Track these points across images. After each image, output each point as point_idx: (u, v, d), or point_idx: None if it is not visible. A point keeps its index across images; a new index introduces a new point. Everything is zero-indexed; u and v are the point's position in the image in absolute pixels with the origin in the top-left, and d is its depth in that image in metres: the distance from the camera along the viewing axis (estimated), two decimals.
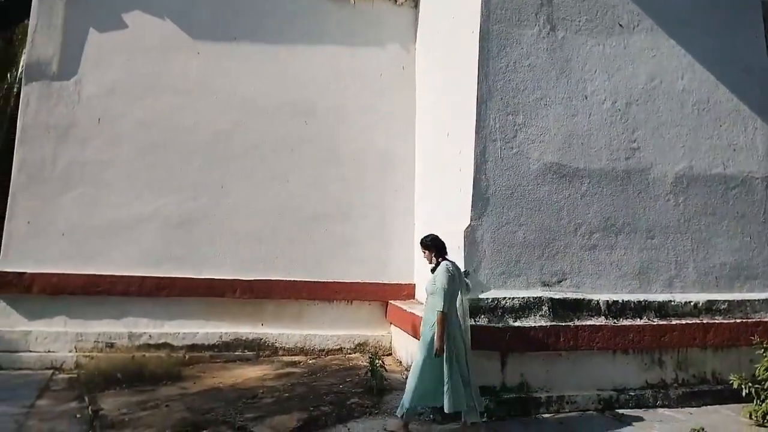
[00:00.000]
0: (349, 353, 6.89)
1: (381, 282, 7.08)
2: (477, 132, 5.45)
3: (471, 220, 5.33)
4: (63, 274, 6.33)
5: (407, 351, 6.28)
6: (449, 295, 4.31)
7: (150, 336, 6.44)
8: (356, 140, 7.24)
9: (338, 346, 6.93)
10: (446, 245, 4.65)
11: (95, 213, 6.51)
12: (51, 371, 5.99)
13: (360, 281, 7.02)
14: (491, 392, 4.99)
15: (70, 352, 6.25)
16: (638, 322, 5.38)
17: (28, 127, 6.53)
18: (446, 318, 4.23)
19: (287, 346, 6.82)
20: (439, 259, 4.56)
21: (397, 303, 6.76)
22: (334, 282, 6.99)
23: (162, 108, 6.79)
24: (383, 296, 7.07)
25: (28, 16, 12.76)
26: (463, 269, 5.01)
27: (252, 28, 7.15)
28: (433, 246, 4.59)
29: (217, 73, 7.00)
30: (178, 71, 6.91)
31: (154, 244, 6.58)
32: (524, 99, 5.67)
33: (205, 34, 7.04)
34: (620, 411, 5.01)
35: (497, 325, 5.09)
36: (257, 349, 6.66)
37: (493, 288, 5.29)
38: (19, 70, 11.98)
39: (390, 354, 6.87)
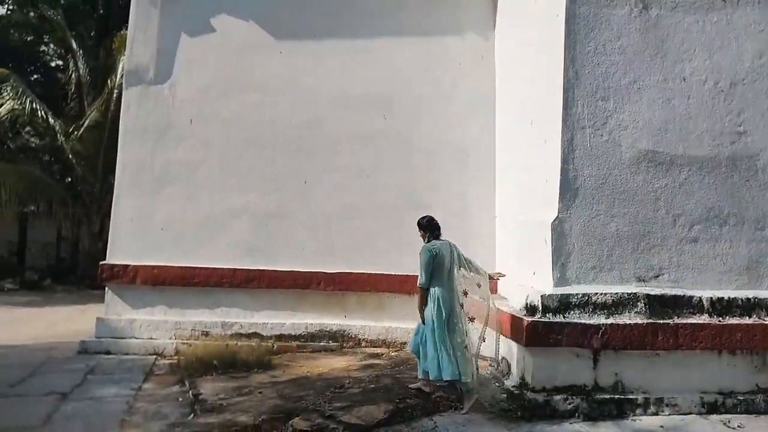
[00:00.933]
0: None
1: None
2: (564, 120, 5.23)
3: (559, 212, 5.13)
4: (162, 266, 6.78)
5: (492, 345, 6.16)
6: (427, 272, 4.76)
7: (241, 326, 6.76)
8: (434, 132, 7.18)
9: None
10: (440, 227, 4.97)
11: (190, 209, 6.90)
12: (154, 357, 6.45)
13: None
14: (582, 391, 4.81)
15: (170, 339, 6.69)
16: (747, 320, 4.97)
17: (129, 130, 7.02)
18: (426, 292, 4.78)
19: (369, 337, 6.93)
20: (432, 239, 4.92)
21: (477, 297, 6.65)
22: (414, 275, 6.96)
23: (247, 107, 7.07)
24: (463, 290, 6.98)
25: (123, 26, 13.74)
26: (550, 263, 4.85)
27: (331, 24, 7.26)
28: (428, 227, 4.97)
29: (298, 71, 7.18)
30: (261, 70, 7.16)
31: (244, 237, 6.88)
32: (615, 83, 5.36)
33: (286, 33, 7.24)
34: (727, 416, 4.66)
35: (588, 321, 4.88)
36: (341, 340, 6.82)
37: (583, 282, 5.08)
38: (118, 76, 12.94)
39: None
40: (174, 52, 7.15)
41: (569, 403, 4.73)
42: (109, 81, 12.97)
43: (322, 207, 7.00)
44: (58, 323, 8.53)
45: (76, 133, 12.58)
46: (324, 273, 6.82)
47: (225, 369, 5.72)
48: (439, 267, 4.78)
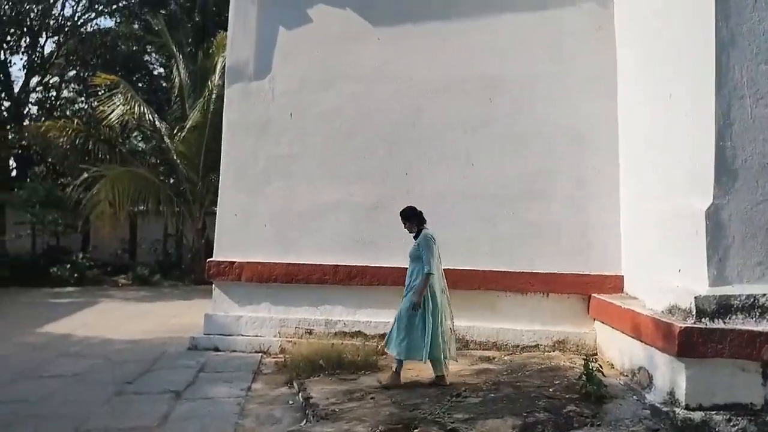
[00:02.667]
0: (548, 351, 6.27)
1: (581, 273, 6.32)
2: (718, 88, 4.42)
3: (714, 199, 4.35)
4: (267, 263, 6.70)
5: (621, 352, 5.48)
6: (434, 258, 5.00)
7: (344, 324, 6.53)
8: (547, 113, 6.52)
9: (534, 343, 6.35)
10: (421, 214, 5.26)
11: (291, 204, 6.77)
12: (259, 354, 6.37)
13: (556, 272, 6.33)
14: (748, 411, 4.06)
15: (275, 336, 6.60)
16: None
17: (231, 127, 7.00)
18: (429, 279, 4.93)
19: (478, 339, 6.44)
20: (420, 228, 5.21)
21: (605, 297, 5.96)
22: (526, 272, 6.40)
23: (345, 97, 6.81)
24: (584, 289, 6.31)
25: (217, 31, 14.12)
26: (704, 258, 4.15)
27: (430, 5, 6.81)
28: (414, 216, 5.25)
29: (397, 58, 6.80)
30: (359, 60, 6.86)
31: (344, 231, 6.64)
32: None
33: (383, 19, 6.88)
34: None
35: (755, 328, 4.10)
36: None
37: (746, 282, 4.28)
38: (216, 78, 13.34)
39: (595, 354, 6.10)
40: (272, 46, 7.03)
41: (733, 425, 4.03)
42: (208, 83, 13.41)
43: (425, 199, 6.53)
44: (170, 318, 8.82)
45: (179, 134, 13.11)
46: None
47: (332, 370, 5.48)
48: (436, 254, 5.08)
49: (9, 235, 14.85)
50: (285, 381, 5.35)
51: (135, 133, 14.98)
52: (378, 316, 6.49)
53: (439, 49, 6.75)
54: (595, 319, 6.22)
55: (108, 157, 13.20)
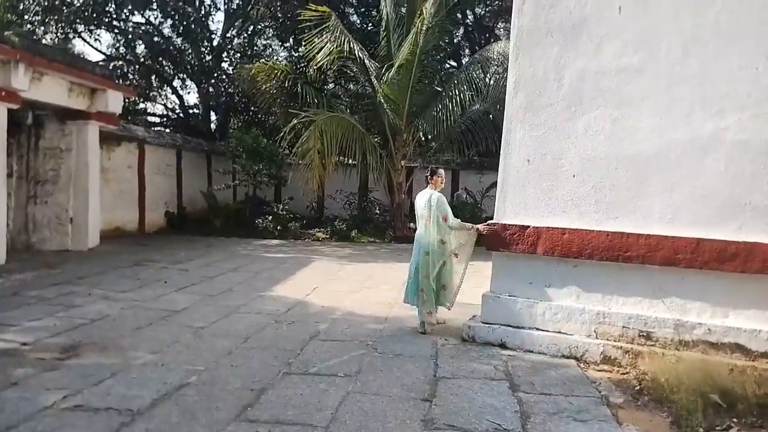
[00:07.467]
0: None
1: None
2: None
3: None
4: (577, 230, 4.62)
5: None
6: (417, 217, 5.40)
7: (709, 330, 4.22)
8: None
9: None
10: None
11: (620, 144, 4.53)
12: (572, 362, 4.41)
13: None
14: None
15: (589, 336, 4.56)
16: None
17: (524, 33, 4.89)
18: None
19: None
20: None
21: None
22: None
23: None
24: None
25: None
26: None
27: None
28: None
29: None
30: None
31: (715, 188, 4.25)
32: None
33: None
34: None
35: None
36: None
37: None
38: (429, 3, 11.39)
39: None
40: None
41: None
42: (415, 18, 11.53)
43: None
44: (401, 285, 7.30)
45: (387, 74, 11.52)
46: None
47: (747, 416, 3.27)
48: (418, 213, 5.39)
49: (218, 185, 14.88)
50: (668, 425, 3.27)
51: (339, 75, 13.79)
52: None
53: None
54: None
55: (316, 101, 12.13)
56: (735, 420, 3.28)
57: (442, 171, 5.52)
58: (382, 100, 12.03)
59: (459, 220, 5.40)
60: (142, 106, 20.04)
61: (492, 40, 17.49)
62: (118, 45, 19.06)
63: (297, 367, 4.15)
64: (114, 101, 10.34)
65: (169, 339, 4.75)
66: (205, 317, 5.53)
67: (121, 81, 17.12)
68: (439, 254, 5.23)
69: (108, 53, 19.21)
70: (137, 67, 19.23)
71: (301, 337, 4.93)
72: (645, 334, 4.42)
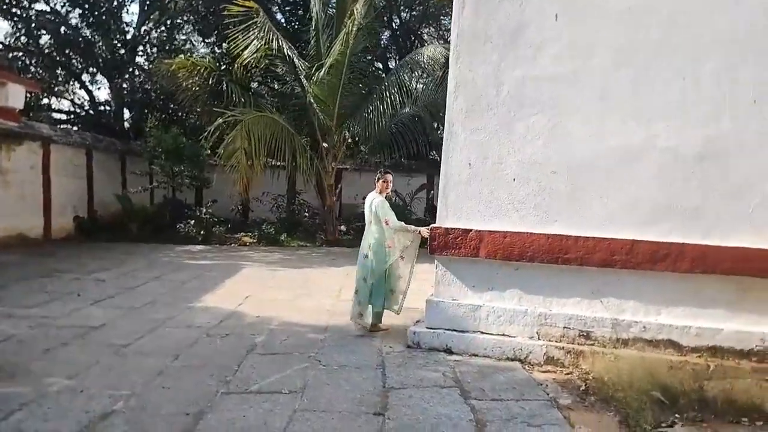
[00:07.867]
0: None
1: None
2: None
3: None
4: (519, 233, 4.67)
5: None
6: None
7: (644, 327, 4.41)
8: None
9: None
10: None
11: (556, 149, 4.63)
12: (517, 364, 4.45)
13: None
14: None
15: (532, 338, 4.62)
16: None
17: (464, 38, 4.89)
18: None
19: None
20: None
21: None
22: None
23: None
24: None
25: None
26: None
27: None
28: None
29: None
30: None
31: (647, 192, 4.44)
32: None
33: None
34: None
35: None
36: None
37: None
38: (359, 4, 11.25)
39: None
40: None
41: None
42: (346, 18, 11.38)
43: None
44: (338, 292, 7.14)
45: (318, 74, 11.26)
46: None
47: (691, 411, 3.41)
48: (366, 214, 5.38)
49: (134, 187, 13.92)
50: (617, 425, 3.34)
51: (266, 74, 13.32)
52: (703, 319, 4.32)
53: None
54: None
55: (243, 100, 11.63)
56: (678, 416, 3.41)
57: (389, 176, 5.40)
58: (312, 101, 11.77)
59: (402, 222, 5.32)
60: (46, 101, 18.37)
61: (418, 44, 17.70)
62: (18, 34, 17.33)
63: (236, 385, 3.86)
64: (15, 95, 9.28)
65: (87, 360, 4.28)
66: (128, 333, 5.06)
67: (22, 74, 15.61)
68: (382, 257, 5.12)
69: (5, 42, 17.45)
70: (41, 59, 17.60)
71: (238, 351, 4.62)
72: (585, 334, 4.55)
